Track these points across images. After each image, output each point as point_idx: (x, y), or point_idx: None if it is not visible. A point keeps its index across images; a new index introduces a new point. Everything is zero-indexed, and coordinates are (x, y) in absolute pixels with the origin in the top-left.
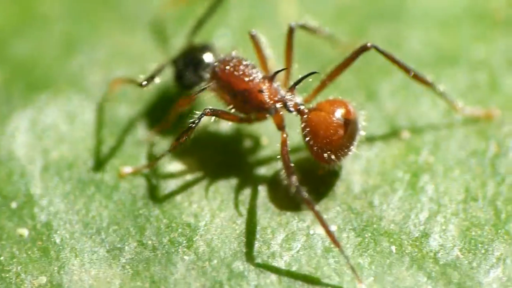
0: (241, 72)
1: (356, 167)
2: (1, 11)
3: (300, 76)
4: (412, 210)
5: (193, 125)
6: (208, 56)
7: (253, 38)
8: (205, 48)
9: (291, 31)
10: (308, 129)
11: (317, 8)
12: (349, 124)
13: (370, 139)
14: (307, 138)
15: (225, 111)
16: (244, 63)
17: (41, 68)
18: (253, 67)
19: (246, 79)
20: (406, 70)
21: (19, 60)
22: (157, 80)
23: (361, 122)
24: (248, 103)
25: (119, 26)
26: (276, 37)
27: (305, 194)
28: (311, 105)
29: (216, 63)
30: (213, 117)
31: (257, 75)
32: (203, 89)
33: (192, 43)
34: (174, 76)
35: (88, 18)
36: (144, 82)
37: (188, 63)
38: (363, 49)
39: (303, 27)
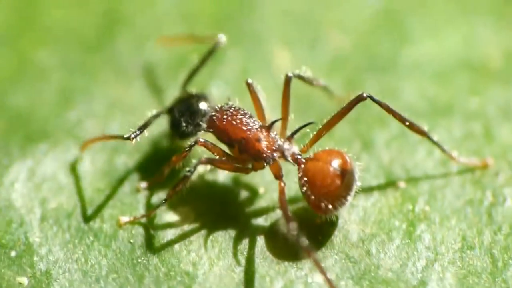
0: (238, 121)
1: (353, 216)
2: None
3: (297, 126)
4: (410, 258)
5: (189, 174)
6: (204, 105)
7: (250, 86)
8: (200, 97)
9: (288, 81)
10: (305, 178)
11: (311, 60)
12: (346, 174)
13: (366, 189)
14: (304, 188)
15: (221, 160)
16: (242, 112)
17: (39, 119)
18: (251, 116)
19: (244, 128)
20: (401, 119)
21: (16, 111)
22: (145, 133)
23: (358, 173)
24: (245, 152)
25: (114, 77)
26: (271, 88)
27: (305, 241)
28: (308, 155)
29: (213, 112)
30: (209, 166)
31: (255, 124)
32: (194, 144)
33: (187, 92)
34: (170, 125)
35: (84, 69)
36: (133, 135)
37: (184, 112)
38: (359, 99)
39: (300, 77)
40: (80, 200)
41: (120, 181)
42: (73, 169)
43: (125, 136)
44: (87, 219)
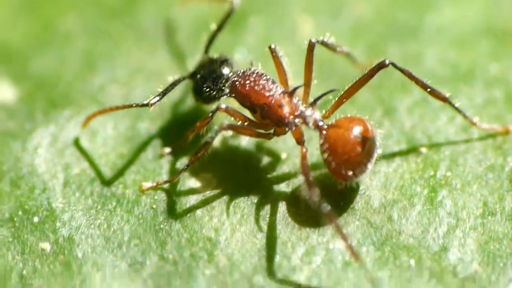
0: (261, 87)
1: (374, 182)
2: (22, 28)
3: (320, 93)
4: (431, 224)
5: (211, 140)
6: (227, 69)
7: (273, 52)
8: (223, 61)
9: (311, 47)
10: (326, 145)
11: (334, 27)
12: (367, 142)
13: (388, 155)
14: (325, 155)
15: (242, 126)
16: (264, 77)
17: (62, 85)
18: (273, 82)
19: (267, 93)
20: (423, 86)
21: (40, 77)
22: (163, 100)
23: (379, 140)
24: (267, 118)
25: (137, 43)
26: (294, 55)
27: (327, 207)
28: (329, 122)
29: (235, 78)
30: (231, 132)
31: (277, 90)
32: (216, 110)
33: (209, 57)
34: (193, 90)
35: (107, 36)
36: (152, 101)
37: (207, 77)
38: (381, 66)
39: (323, 43)
40: (103, 166)
41: (143, 146)
42: (96, 135)
43: (144, 103)
44: (109, 184)
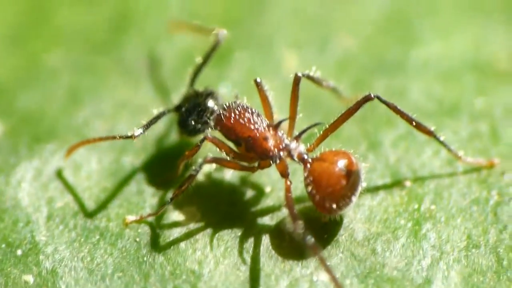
0: (246, 120)
1: (359, 215)
2: (7, 63)
3: (305, 126)
4: (415, 257)
5: (195, 173)
6: (211, 102)
7: (258, 85)
8: (208, 94)
9: (296, 81)
10: (311, 178)
11: (319, 61)
12: (351, 175)
13: (372, 188)
14: (310, 188)
15: (226, 159)
16: (249, 110)
17: (47, 119)
18: (258, 115)
19: (251, 126)
20: (408, 119)
21: (25, 111)
22: (146, 132)
23: (363, 173)
24: (252, 151)
25: (122, 78)
26: (279, 88)
27: (311, 239)
28: (314, 155)
29: (220, 111)
30: (215, 165)
31: (262, 123)
32: (204, 140)
33: (194, 90)
34: (178, 122)
35: (93, 70)
36: (136, 133)
37: (192, 110)
38: (366, 99)
39: (309, 77)
40: (86, 200)
41: (127, 180)
42: (79, 168)
43: (128, 135)
44: (93, 218)
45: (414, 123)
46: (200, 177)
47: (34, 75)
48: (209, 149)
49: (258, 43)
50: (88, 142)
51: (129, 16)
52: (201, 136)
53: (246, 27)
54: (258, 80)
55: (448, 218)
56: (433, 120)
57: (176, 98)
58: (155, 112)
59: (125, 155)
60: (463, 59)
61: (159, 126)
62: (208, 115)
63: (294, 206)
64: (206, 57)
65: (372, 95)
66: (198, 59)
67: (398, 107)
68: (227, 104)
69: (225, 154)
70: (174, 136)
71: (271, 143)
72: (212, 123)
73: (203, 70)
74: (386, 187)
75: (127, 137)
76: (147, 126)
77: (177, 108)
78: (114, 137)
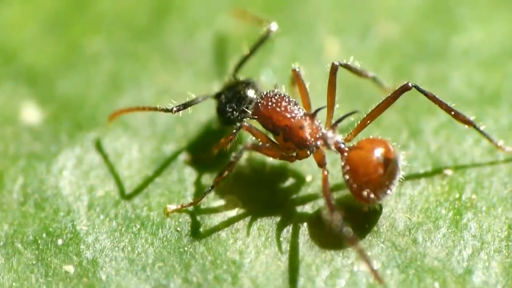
0: (283, 108)
1: (399, 205)
2: (49, 50)
3: (342, 115)
4: (456, 247)
5: (235, 160)
6: (251, 92)
7: (296, 74)
8: (248, 83)
9: (334, 70)
10: (348, 167)
11: (360, 48)
12: (389, 163)
13: (413, 177)
14: (347, 176)
15: (266, 146)
16: (286, 99)
17: (88, 107)
18: (295, 104)
19: (288, 115)
20: (447, 109)
21: (66, 99)
22: (189, 110)
23: (402, 162)
24: (289, 140)
25: (163, 65)
26: (320, 76)
27: (348, 231)
28: (351, 144)
29: (258, 99)
30: (255, 152)
31: (299, 112)
32: (240, 127)
33: (236, 79)
34: (217, 110)
35: (133, 57)
36: (175, 108)
37: (231, 98)
38: (404, 88)
39: (346, 66)
40: (127, 188)
41: (168, 169)
42: (121, 157)
43: (167, 108)
44: (134, 207)
45: (453, 113)
46: (242, 164)
47: (75, 62)
48: (247, 138)
49: (299, 30)
50: (130, 110)
51: (170, 2)
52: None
53: (288, 13)
54: (296, 68)
55: (489, 208)
56: (474, 108)
57: (217, 86)
58: (194, 95)
59: (166, 144)
60: (504, 46)
61: (201, 116)
62: (247, 104)
63: (331, 197)
64: (254, 48)
65: (410, 85)
66: (245, 49)
67: (437, 97)
68: (265, 93)
69: (262, 143)
70: (215, 126)
71: (307, 132)
72: (250, 112)
73: (248, 60)
74: (427, 175)
75: (167, 110)
76: (187, 105)
77: (217, 95)
78: (155, 109)
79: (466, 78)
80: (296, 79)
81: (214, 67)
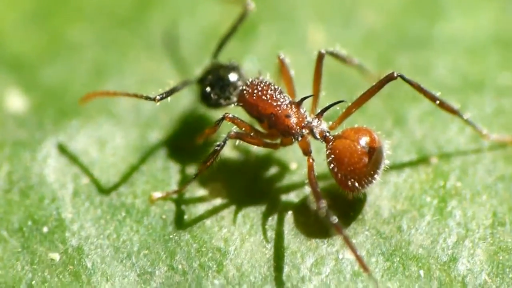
0: (269, 96)
1: (384, 192)
2: (31, 38)
3: (328, 104)
4: (440, 234)
5: (219, 148)
6: (235, 76)
7: (281, 61)
8: (231, 68)
9: (320, 58)
10: (332, 156)
11: (345, 36)
12: (373, 152)
13: (398, 165)
14: (332, 165)
15: (250, 134)
16: (272, 87)
17: (71, 94)
18: (281, 92)
19: (274, 103)
20: (432, 98)
21: (50, 87)
22: (168, 99)
23: (386, 151)
24: (274, 128)
25: (146, 53)
26: (304, 64)
27: (334, 219)
28: (336, 132)
29: (244, 86)
30: (238, 140)
31: (285, 100)
32: (222, 119)
33: (218, 62)
34: (200, 96)
35: (116, 45)
36: (158, 96)
37: (214, 84)
38: (389, 78)
39: (333, 54)
40: (112, 176)
41: (153, 156)
42: (104, 144)
43: (150, 96)
44: (119, 194)
45: (438, 102)
46: (226, 152)
47: (58, 50)
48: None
49: (283, 17)
50: (108, 94)
51: None
52: (223, 110)
53: (272, 1)
54: (281, 56)
55: (473, 195)
56: (458, 96)
57: (199, 70)
58: (173, 82)
59: (151, 131)
60: (488, 34)
61: (184, 102)
62: (231, 90)
63: (317, 184)
64: (232, 28)
65: (395, 74)
66: (224, 31)
67: (422, 86)
68: (250, 80)
69: (246, 131)
70: (199, 112)
71: (293, 120)
72: (234, 99)
73: (227, 42)
74: (412, 163)
75: (149, 98)
76: (170, 93)
77: (200, 81)
78: (136, 95)
79: (450, 66)
80: (281, 66)
81: (197, 56)
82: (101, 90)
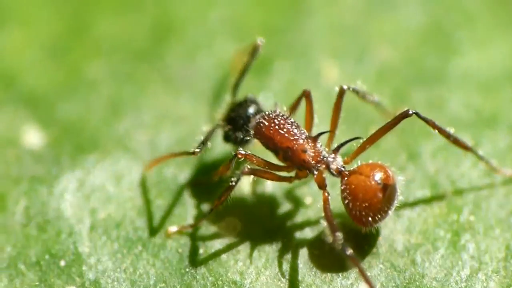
0: (285, 130)
1: (398, 226)
2: (49, 75)
3: (344, 140)
4: (454, 267)
5: (233, 184)
6: (252, 110)
7: (307, 96)
8: (247, 102)
9: (341, 93)
10: (347, 191)
11: (359, 71)
12: (387, 188)
13: (412, 199)
14: (346, 201)
15: (263, 170)
16: (289, 121)
17: (88, 130)
18: (298, 126)
19: (291, 138)
20: (447, 135)
21: (67, 122)
22: (208, 144)
23: (400, 187)
24: (289, 161)
25: (163, 88)
26: (318, 99)
27: (350, 251)
28: (351, 167)
29: (260, 119)
30: (252, 176)
31: (301, 134)
32: (235, 156)
33: (237, 100)
34: (223, 137)
35: (133, 80)
36: (197, 150)
37: (235, 122)
38: (405, 115)
39: (354, 90)
40: (129, 210)
41: (169, 191)
42: (121, 179)
43: (190, 151)
44: (135, 229)
45: (452, 139)
46: (243, 187)
47: (75, 85)
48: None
49: (297, 53)
50: (162, 159)
51: (170, 25)
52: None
53: (285, 37)
54: (308, 90)
55: (487, 229)
56: (472, 131)
57: (216, 108)
58: (204, 128)
59: (167, 167)
60: (502, 69)
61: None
62: (249, 123)
63: (332, 218)
64: (246, 65)
65: (411, 111)
66: (239, 69)
67: (437, 123)
68: (267, 113)
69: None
70: (216, 149)
71: (309, 155)
72: (251, 132)
73: (244, 79)
74: (425, 197)
75: (191, 153)
76: (205, 141)
77: (225, 120)
78: (179, 154)
79: (464, 101)
80: (306, 99)
81: (214, 90)
82: (158, 158)
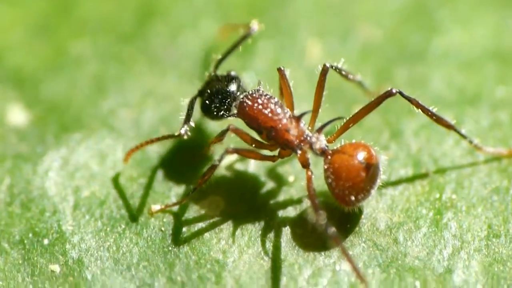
0: (269, 110)
1: (381, 204)
2: (35, 53)
3: (327, 119)
4: (436, 246)
5: (217, 163)
6: (234, 87)
7: (281, 73)
8: (230, 78)
9: (324, 72)
10: (330, 170)
11: (342, 50)
12: (371, 168)
13: (394, 178)
14: (329, 180)
15: (247, 149)
16: (273, 101)
17: (73, 109)
18: (281, 106)
19: (274, 117)
20: (430, 114)
21: (52, 101)
22: (192, 123)
23: (383, 166)
24: (273, 140)
25: (148, 67)
26: (302, 78)
27: (332, 230)
28: (334, 146)
29: (243, 98)
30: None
31: (285, 114)
32: (227, 130)
33: (216, 75)
34: (201, 107)
35: (118, 60)
36: (182, 132)
37: (214, 96)
38: (388, 94)
39: (336, 69)
40: (112, 189)
41: (153, 169)
42: (105, 158)
43: (176, 134)
44: (119, 207)
45: (435, 117)
46: (225, 166)
47: (60, 64)
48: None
49: (282, 32)
50: (142, 145)
51: (155, 5)
52: (225, 121)
53: (270, 17)
54: (282, 68)
55: (469, 208)
56: (454, 109)
57: (199, 84)
58: (184, 102)
59: (150, 144)
60: (484, 47)
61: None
62: (231, 101)
63: (315, 197)
64: (234, 45)
65: (394, 90)
66: (223, 49)
67: (420, 102)
68: (251, 93)
69: (246, 145)
70: (198, 125)
71: (292, 134)
72: (234, 111)
73: (228, 57)
74: (408, 176)
75: (176, 136)
76: (187, 120)
77: (200, 93)
78: (164, 137)
79: (446, 80)
80: (281, 78)
81: (198, 69)
82: (136, 145)
